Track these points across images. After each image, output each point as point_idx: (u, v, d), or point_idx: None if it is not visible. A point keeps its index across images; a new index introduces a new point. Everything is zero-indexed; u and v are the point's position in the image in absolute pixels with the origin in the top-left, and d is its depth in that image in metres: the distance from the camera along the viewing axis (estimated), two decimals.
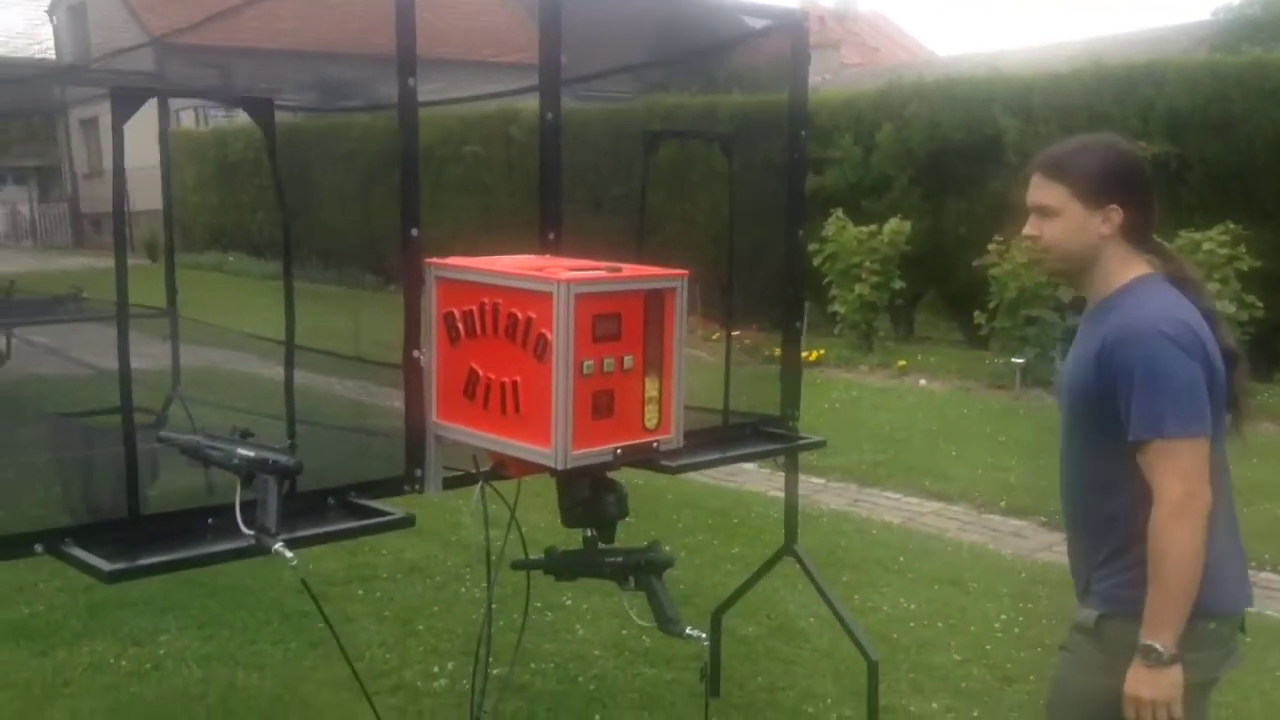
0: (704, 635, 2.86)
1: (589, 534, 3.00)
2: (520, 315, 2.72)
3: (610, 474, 2.94)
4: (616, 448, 2.78)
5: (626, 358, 2.77)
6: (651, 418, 2.86)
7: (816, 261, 12.70)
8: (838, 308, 12.58)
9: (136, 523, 2.52)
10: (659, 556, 2.94)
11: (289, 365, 2.78)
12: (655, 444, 2.86)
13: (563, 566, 3.05)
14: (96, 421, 4.47)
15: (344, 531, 2.74)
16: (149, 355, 5.35)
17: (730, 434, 3.79)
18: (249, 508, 2.47)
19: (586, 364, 2.68)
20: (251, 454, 2.48)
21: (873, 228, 12.40)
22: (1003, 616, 5.13)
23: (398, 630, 4.91)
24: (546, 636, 4.84)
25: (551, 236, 3.30)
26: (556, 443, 2.67)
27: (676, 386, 2.89)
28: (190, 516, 2.65)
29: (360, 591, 5.35)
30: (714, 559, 5.84)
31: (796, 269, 3.96)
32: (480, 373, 2.85)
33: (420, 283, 2.95)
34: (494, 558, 3.14)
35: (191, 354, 8.02)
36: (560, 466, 2.68)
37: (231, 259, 21.99)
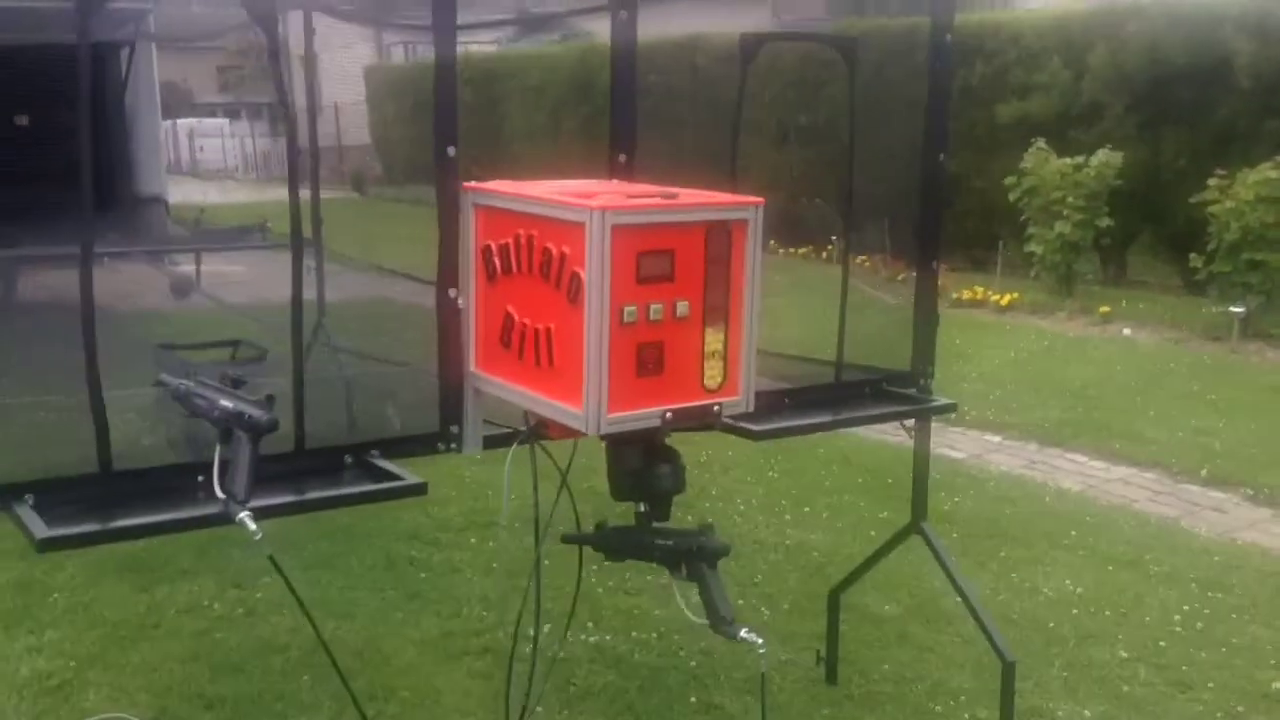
0: (760, 641, 2.40)
1: (641, 509, 2.56)
2: (554, 250, 2.29)
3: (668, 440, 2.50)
4: (666, 410, 2.32)
5: (680, 304, 2.30)
6: (713, 375, 2.38)
7: (1013, 197, 11.74)
8: (1034, 248, 11.60)
9: (108, 479, 2.22)
10: (711, 543, 2.48)
11: (296, 307, 2.43)
12: (716, 407, 2.39)
13: (611, 545, 2.63)
14: (198, 355, 4.29)
15: (328, 500, 2.38)
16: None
17: (844, 393, 3.27)
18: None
19: (628, 310, 2.23)
20: (230, 405, 2.15)
21: (1079, 159, 11.33)
22: (1185, 608, 4.43)
23: (503, 585, 4.61)
24: (659, 601, 4.44)
25: (623, 158, 2.84)
26: (589, 403, 2.24)
27: (747, 339, 2.40)
28: (182, 473, 2.34)
29: (473, 540, 5.07)
30: (857, 523, 5.31)
31: (935, 197, 3.36)
32: (515, 317, 2.44)
33: (456, 211, 2.55)
34: (543, 526, 2.74)
35: (361, 286, 8.00)
36: (592, 431, 2.25)
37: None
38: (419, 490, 2.40)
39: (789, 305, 5.31)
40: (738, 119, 3.26)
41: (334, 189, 22.79)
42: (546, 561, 2.85)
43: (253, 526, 2.05)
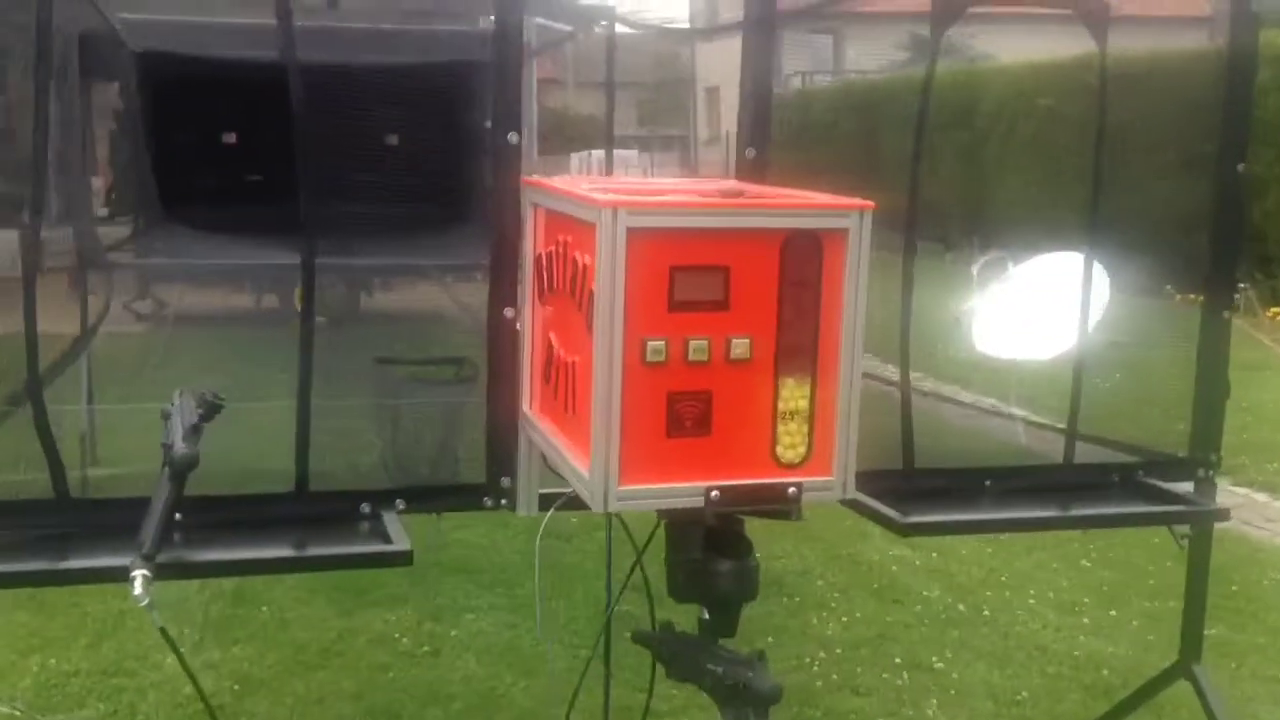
0: None
1: (703, 616, 1.93)
2: (579, 261, 1.74)
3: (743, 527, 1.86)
4: (712, 487, 1.69)
5: (736, 341, 1.67)
6: (791, 444, 1.73)
7: None
8: None
9: (63, 507, 1.91)
10: (760, 684, 1.80)
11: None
12: (793, 489, 1.73)
13: (666, 657, 2.00)
14: (418, 372, 4.07)
15: (266, 563, 1.93)
16: None
17: (1075, 479, 2.43)
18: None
19: (652, 345, 1.64)
20: (166, 437, 1.76)
21: None
22: None
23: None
24: (888, 710, 3.69)
25: (751, 153, 2.22)
26: (595, 468, 1.66)
27: (845, 396, 1.72)
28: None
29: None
30: (1174, 638, 4.25)
31: (1231, 224, 2.46)
32: (555, 346, 1.91)
33: (516, 209, 2.05)
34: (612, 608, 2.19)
35: None
36: (597, 505, 1.67)
37: None
38: (402, 560, 1.91)
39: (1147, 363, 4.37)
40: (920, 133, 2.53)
41: None
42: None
43: (138, 591, 1.64)
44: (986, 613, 4.47)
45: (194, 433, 1.72)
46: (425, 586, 4.51)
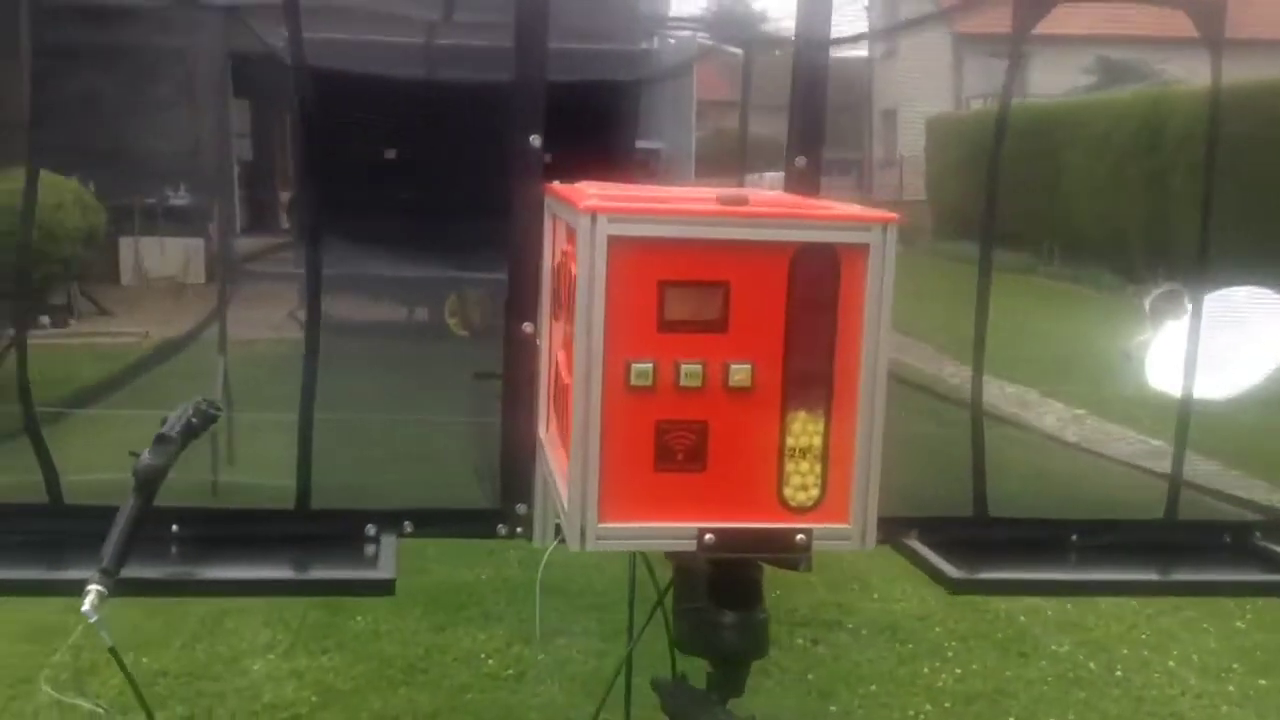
0: None
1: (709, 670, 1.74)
2: (570, 273, 1.58)
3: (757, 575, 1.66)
4: (706, 529, 1.51)
5: (735, 367, 1.48)
6: (802, 484, 1.53)
7: None
8: None
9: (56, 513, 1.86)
10: None
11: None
12: (801, 535, 1.52)
13: (674, 713, 1.81)
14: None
15: (239, 584, 1.82)
16: None
17: (1179, 536, 2.13)
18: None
19: (637, 368, 1.47)
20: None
21: None
22: None
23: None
24: None
25: (803, 161, 2.01)
26: (573, 502, 1.50)
27: (865, 432, 1.51)
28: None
29: (838, 634, 4.27)
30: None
31: None
32: (559, 365, 1.76)
33: (537, 218, 1.91)
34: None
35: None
36: (574, 543, 1.51)
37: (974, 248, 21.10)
38: (383, 589, 1.78)
39: None
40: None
41: None
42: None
43: (86, 606, 1.55)
44: (1119, 673, 4.08)
45: (160, 443, 1.63)
46: (521, 606, 4.41)
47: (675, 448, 1.49)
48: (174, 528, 1.87)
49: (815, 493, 1.53)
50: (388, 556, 1.81)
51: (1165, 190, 14.65)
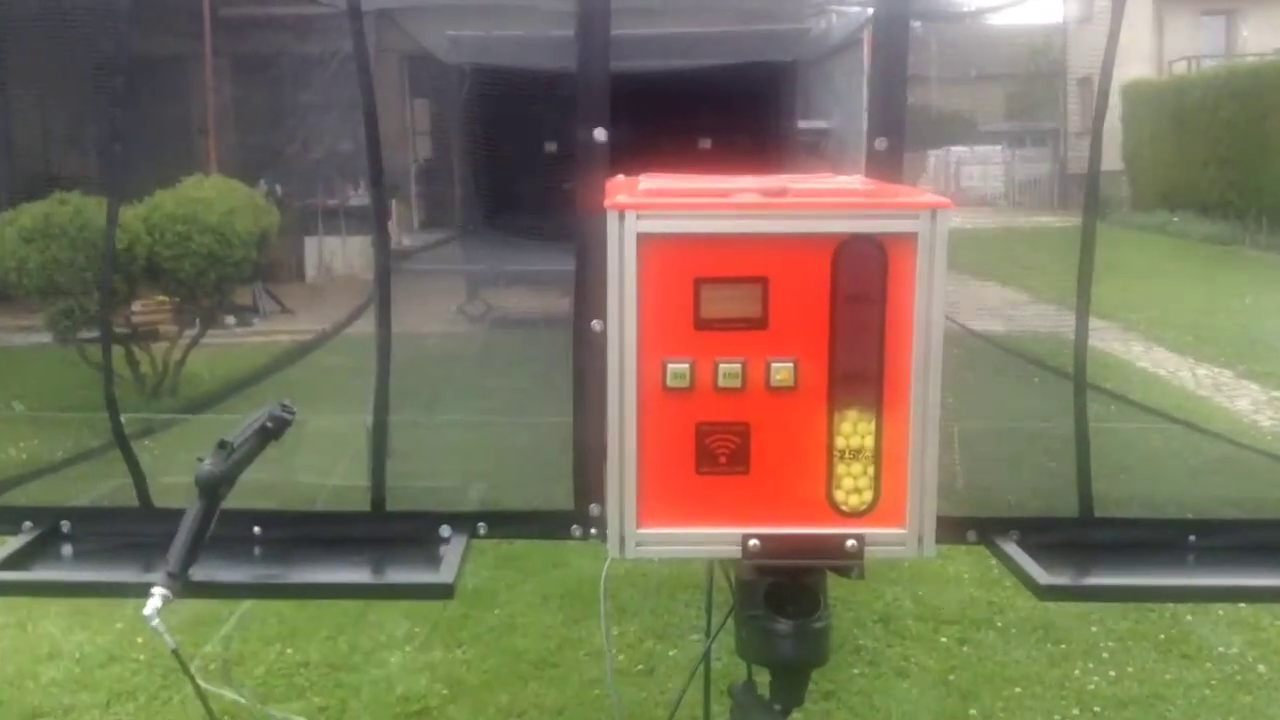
0: None
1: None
2: None
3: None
4: (750, 535, 1.45)
5: (777, 366, 1.42)
6: (855, 488, 1.45)
7: None
8: None
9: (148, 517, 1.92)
10: None
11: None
12: (852, 542, 1.45)
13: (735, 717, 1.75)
14: None
15: (306, 588, 1.83)
16: None
17: (1259, 538, 1.94)
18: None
19: (673, 369, 1.42)
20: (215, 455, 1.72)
21: None
22: None
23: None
24: None
25: (883, 144, 1.91)
26: (611, 508, 1.46)
27: (920, 431, 1.43)
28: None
29: (905, 642, 4.10)
30: None
31: None
32: None
33: (603, 213, 1.87)
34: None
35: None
36: (614, 550, 1.47)
37: (1176, 219, 20.00)
38: (442, 593, 1.77)
39: None
40: None
41: (1076, 215, 21.53)
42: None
43: (149, 610, 1.59)
44: None
45: (221, 449, 1.66)
46: (658, 602, 4.39)
47: (717, 450, 1.44)
48: (256, 530, 1.92)
49: (868, 496, 1.45)
50: (451, 560, 1.80)
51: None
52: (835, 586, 1.65)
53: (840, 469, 1.44)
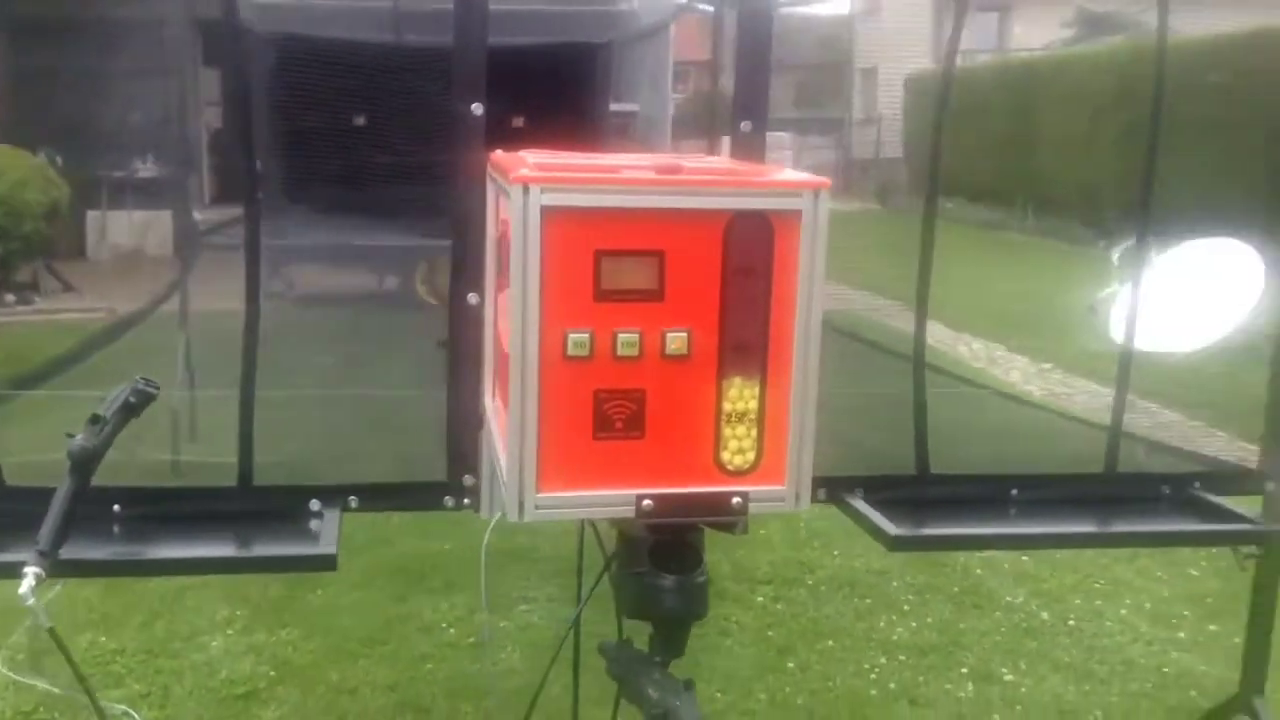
0: None
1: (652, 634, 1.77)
2: (507, 243, 1.58)
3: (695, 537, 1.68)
4: (644, 495, 1.53)
5: (672, 335, 1.49)
6: (738, 449, 1.55)
7: None
8: None
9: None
10: (684, 713, 1.62)
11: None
12: (738, 499, 1.55)
13: (618, 676, 1.84)
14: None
15: (171, 564, 1.82)
16: None
17: (1120, 490, 2.17)
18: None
19: (574, 339, 1.47)
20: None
21: None
22: None
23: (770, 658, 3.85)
24: None
25: (747, 126, 2.02)
26: (510, 473, 1.51)
27: (800, 396, 1.53)
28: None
29: (760, 599, 4.32)
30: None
31: None
32: (502, 337, 1.76)
33: (480, 187, 1.91)
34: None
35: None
36: (513, 514, 1.52)
37: (950, 205, 21.20)
38: (325, 564, 1.79)
39: None
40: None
41: (859, 200, 22.49)
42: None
43: (23, 589, 1.55)
44: (1071, 622, 4.16)
45: (95, 423, 1.62)
46: (486, 574, 4.42)
47: (614, 416, 1.51)
48: (116, 508, 1.87)
49: (751, 456, 1.55)
50: (329, 532, 1.81)
51: (1140, 144, 14.75)
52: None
53: (727, 432, 1.54)
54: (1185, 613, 4.26)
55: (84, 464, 1.61)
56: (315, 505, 1.94)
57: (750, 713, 3.50)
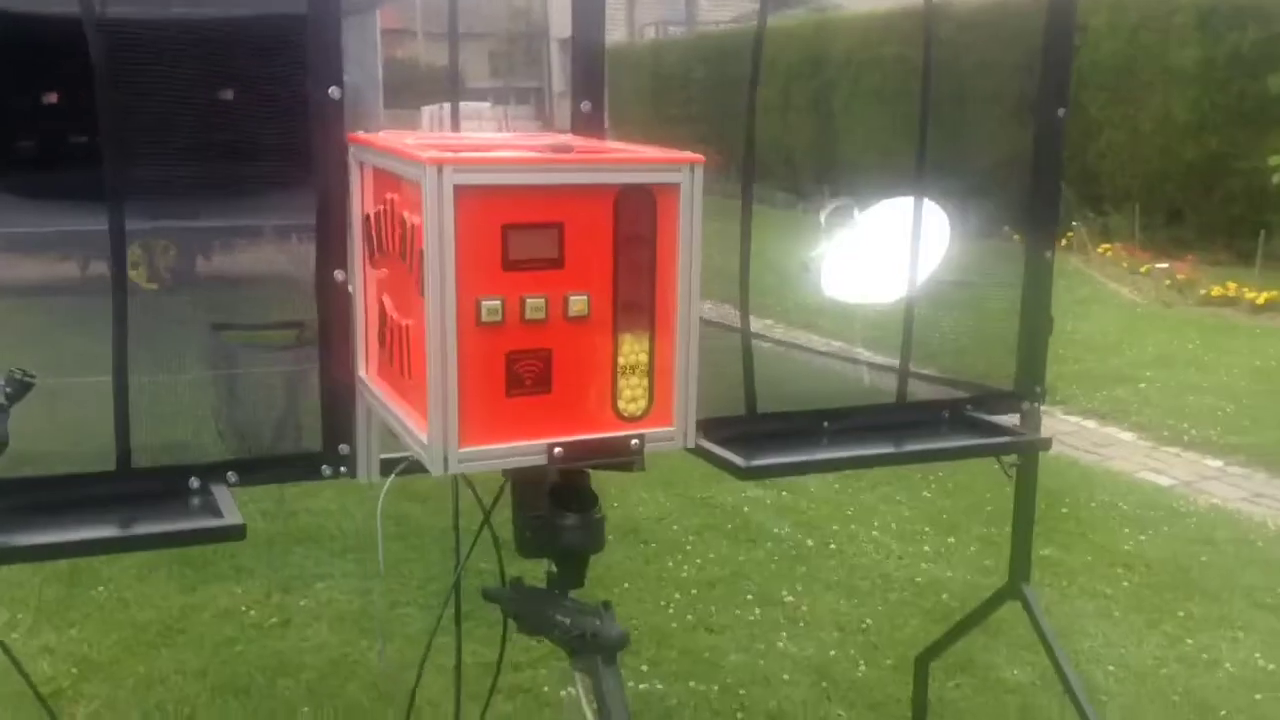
0: None
1: (551, 569, 1.94)
2: (408, 222, 1.69)
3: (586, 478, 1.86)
4: (555, 444, 1.68)
5: (574, 298, 1.65)
6: (632, 398, 1.73)
7: (1278, 179, 10.22)
8: None
9: None
10: (608, 631, 1.83)
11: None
12: (635, 440, 1.73)
13: (516, 612, 2.01)
14: (255, 337, 3.92)
15: (89, 544, 1.85)
16: None
17: (908, 417, 2.51)
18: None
19: (487, 306, 1.61)
20: None
21: None
22: None
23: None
24: (739, 645, 3.77)
25: (587, 106, 2.19)
26: (433, 431, 1.63)
27: (683, 348, 1.73)
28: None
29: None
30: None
31: (1050, 164, 2.55)
32: (388, 309, 1.86)
33: (342, 168, 1.98)
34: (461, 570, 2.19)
35: None
36: (436, 467, 1.64)
37: None
38: (235, 534, 1.85)
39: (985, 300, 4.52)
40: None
41: None
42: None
43: None
44: (833, 546, 4.61)
45: (1, 414, 1.62)
46: (272, 558, 4.40)
47: (524, 375, 1.65)
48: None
49: (644, 403, 1.74)
50: (229, 505, 1.86)
51: (828, 113, 15.82)
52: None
53: (622, 383, 1.71)
54: (926, 529, 4.79)
55: None
56: (195, 483, 1.97)
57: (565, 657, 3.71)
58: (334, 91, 1.97)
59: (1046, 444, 2.55)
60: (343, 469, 2.07)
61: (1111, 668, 3.63)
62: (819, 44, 16.89)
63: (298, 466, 2.06)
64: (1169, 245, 12.04)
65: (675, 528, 4.76)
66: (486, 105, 38.22)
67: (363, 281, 1.98)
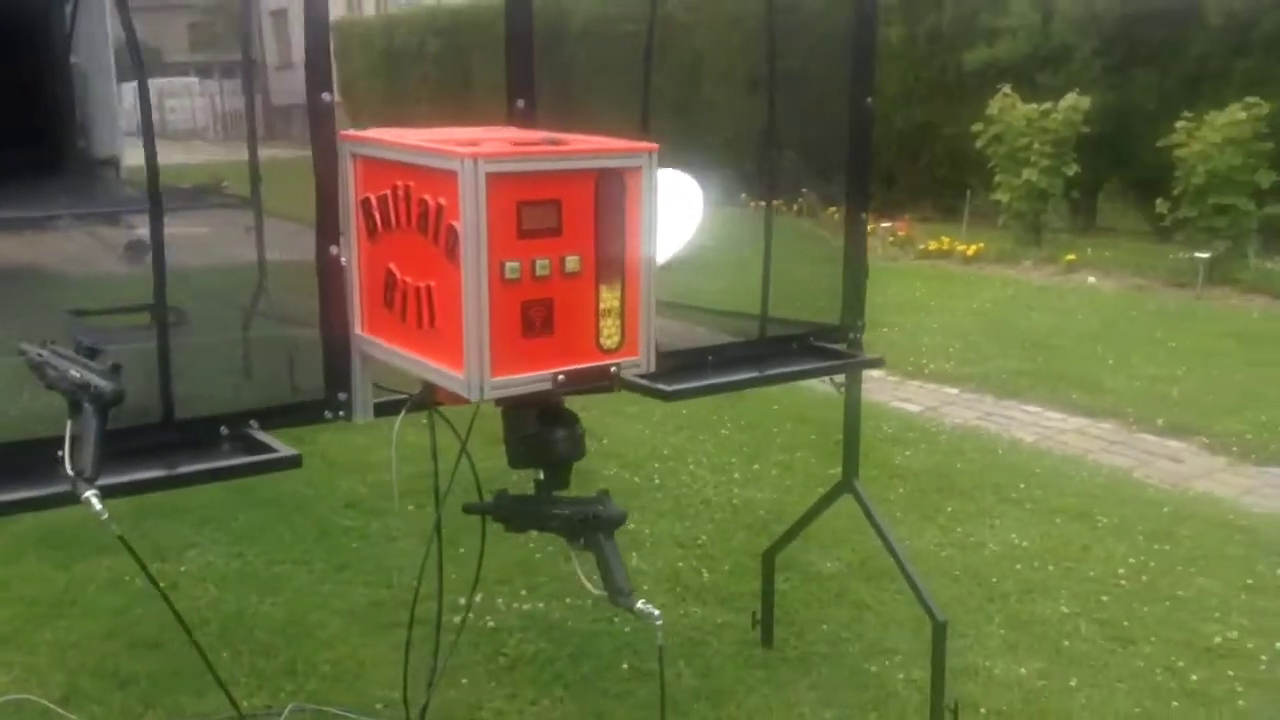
0: (656, 613, 2.29)
1: (540, 477, 2.43)
2: (430, 202, 2.13)
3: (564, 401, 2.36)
4: (557, 373, 2.17)
5: (569, 258, 2.14)
6: (610, 335, 2.23)
7: (980, 144, 11.59)
8: (1001, 196, 11.46)
9: None
10: (607, 511, 2.35)
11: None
12: (614, 368, 2.24)
13: (509, 515, 2.50)
14: (112, 320, 4.11)
15: (191, 475, 2.22)
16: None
17: (769, 349, 3.13)
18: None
19: (509, 266, 2.07)
20: (77, 376, 1.99)
21: (1046, 105, 11.17)
22: (1131, 560, 4.34)
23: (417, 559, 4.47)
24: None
25: (521, 104, 2.67)
26: (470, 367, 2.09)
27: (645, 295, 2.25)
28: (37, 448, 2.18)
29: (411, 507, 4.92)
30: (806, 480, 5.18)
31: (863, 144, 3.20)
32: (398, 275, 2.28)
33: (334, 160, 2.38)
34: (443, 494, 2.63)
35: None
36: (474, 396, 2.10)
37: None
38: (293, 463, 2.25)
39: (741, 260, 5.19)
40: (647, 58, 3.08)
41: (298, 147, 22.43)
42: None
43: (98, 506, 1.92)
44: (657, 480, 5.22)
45: (114, 371, 1.95)
46: (130, 534, 4.56)
47: (535, 320, 2.13)
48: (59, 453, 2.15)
49: (618, 339, 2.25)
50: (274, 441, 2.25)
51: (569, 83, 16.35)
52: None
53: (602, 324, 2.21)
54: (733, 460, 5.49)
55: (111, 405, 1.93)
56: (225, 430, 2.33)
57: (532, 570, 4.17)
58: (326, 97, 2.36)
59: (879, 362, 3.23)
60: (341, 413, 2.47)
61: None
62: (550, 19, 17.48)
63: (307, 412, 2.45)
64: (885, 207, 13.36)
65: (515, 477, 5.22)
66: (195, 81, 36.58)
67: (357, 254, 2.39)
